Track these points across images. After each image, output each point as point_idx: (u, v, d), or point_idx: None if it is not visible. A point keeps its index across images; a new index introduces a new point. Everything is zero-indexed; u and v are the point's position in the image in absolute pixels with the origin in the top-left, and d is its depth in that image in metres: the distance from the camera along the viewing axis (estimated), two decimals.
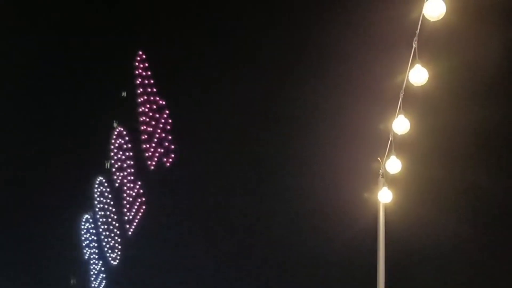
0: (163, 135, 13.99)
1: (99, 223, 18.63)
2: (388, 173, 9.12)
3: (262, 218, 11.99)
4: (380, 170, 9.32)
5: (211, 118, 12.25)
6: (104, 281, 18.67)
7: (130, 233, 16.38)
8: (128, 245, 16.71)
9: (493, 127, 8.35)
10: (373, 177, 9.36)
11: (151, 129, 14.75)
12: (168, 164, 13.96)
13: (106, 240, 18.18)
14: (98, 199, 18.63)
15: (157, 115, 14.25)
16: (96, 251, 19.16)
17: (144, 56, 14.73)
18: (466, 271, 8.85)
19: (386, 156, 9.05)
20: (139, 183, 15.68)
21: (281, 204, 11.46)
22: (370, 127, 9.61)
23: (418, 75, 7.46)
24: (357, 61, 10.01)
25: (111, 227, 17.82)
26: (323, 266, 10.82)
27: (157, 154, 14.45)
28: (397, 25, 8.61)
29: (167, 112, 13.78)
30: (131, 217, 16.27)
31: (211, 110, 12.29)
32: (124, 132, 16.53)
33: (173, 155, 13.70)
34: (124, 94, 17.44)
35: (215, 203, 12.76)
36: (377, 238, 9.36)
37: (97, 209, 18.76)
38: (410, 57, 7.45)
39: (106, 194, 18.15)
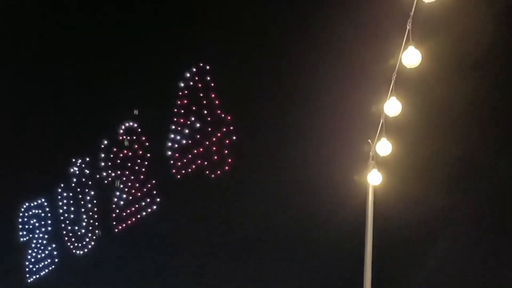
0: (214, 148, 14.05)
1: (62, 211, 18.42)
2: (379, 155, 9.19)
3: (257, 201, 12.06)
4: (370, 153, 9.37)
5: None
6: (50, 266, 18.51)
7: (116, 230, 16.36)
8: (107, 240, 16.68)
9: (482, 101, 8.42)
10: (363, 159, 9.43)
11: (186, 140, 14.81)
12: (212, 176, 14.03)
13: (71, 228, 18.04)
14: (67, 186, 18.40)
15: (209, 129, 14.30)
16: (46, 236, 18.94)
17: (207, 67, 14.63)
18: (456, 252, 8.97)
19: (377, 138, 9.11)
20: (153, 181, 15.62)
21: (272, 186, 11.53)
22: (361, 110, 9.68)
23: (411, 57, 7.50)
24: (349, 43, 10.06)
25: (85, 217, 17.67)
26: (312, 247, 10.92)
27: (193, 166, 14.51)
28: (390, 7, 8.67)
29: (231, 128, 13.77)
30: (124, 214, 16.25)
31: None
32: (139, 130, 16.42)
33: (226, 168, 13.78)
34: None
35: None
36: (365, 220, 9.45)
37: (60, 196, 18.54)
38: (403, 39, 7.48)
39: (84, 185, 17.93)
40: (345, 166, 10.22)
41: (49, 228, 18.87)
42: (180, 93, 15.03)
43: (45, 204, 19.03)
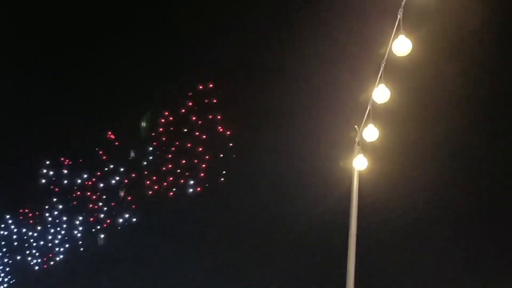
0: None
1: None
2: (365, 141, 9.28)
3: (241, 184, 12.19)
4: (356, 138, 9.47)
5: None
6: None
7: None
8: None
9: (471, 89, 8.54)
10: (350, 145, 9.53)
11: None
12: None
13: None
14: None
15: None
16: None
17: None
18: (441, 237, 9.15)
19: (364, 124, 9.20)
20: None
21: (260, 169, 11.64)
22: (350, 96, 9.77)
23: (401, 45, 7.56)
24: (340, 29, 10.12)
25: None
26: (298, 230, 11.05)
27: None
28: None
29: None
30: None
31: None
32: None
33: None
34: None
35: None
36: (350, 204, 9.56)
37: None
38: (394, 27, 7.54)
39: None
40: (331, 152, 10.34)
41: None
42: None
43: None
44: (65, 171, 17.59)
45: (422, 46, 8.29)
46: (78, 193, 17.35)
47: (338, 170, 10.01)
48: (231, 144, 13.76)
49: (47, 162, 17.92)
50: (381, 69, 8.23)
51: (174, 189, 15.23)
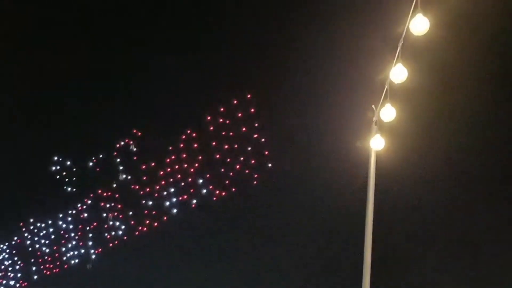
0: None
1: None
2: (382, 121, 9.28)
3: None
4: (374, 118, 9.46)
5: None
6: None
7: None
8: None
9: (489, 68, 8.48)
10: (367, 125, 9.53)
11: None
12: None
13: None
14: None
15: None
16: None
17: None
18: (458, 218, 9.15)
19: (381, 104, 9.19)
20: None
21: (276, 151, 11.67)
22: (367, 76, 9.74)
23: (419, 24, 7.56)
24: (357, 9, 10.07)
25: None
26: (315, 210, 11.10)
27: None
28: None
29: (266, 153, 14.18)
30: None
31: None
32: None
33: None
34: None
35: None
36: (367, 184, 9.58)
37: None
38: (411, 6, 7.53)
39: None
40: (349, 132, 10.33)
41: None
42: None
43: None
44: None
45: (440, 24, 8.24)
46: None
47: (355, 150, 10.01)
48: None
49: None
50: (399, 48, 8.21)
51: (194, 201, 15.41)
